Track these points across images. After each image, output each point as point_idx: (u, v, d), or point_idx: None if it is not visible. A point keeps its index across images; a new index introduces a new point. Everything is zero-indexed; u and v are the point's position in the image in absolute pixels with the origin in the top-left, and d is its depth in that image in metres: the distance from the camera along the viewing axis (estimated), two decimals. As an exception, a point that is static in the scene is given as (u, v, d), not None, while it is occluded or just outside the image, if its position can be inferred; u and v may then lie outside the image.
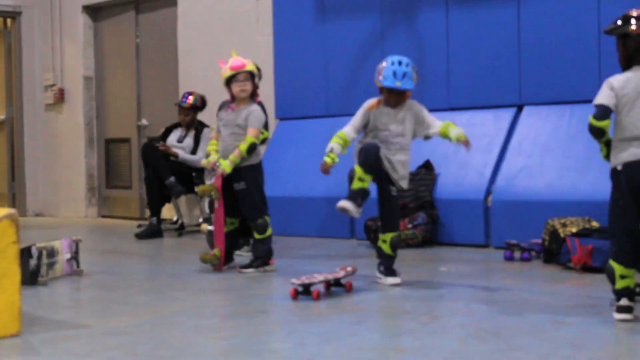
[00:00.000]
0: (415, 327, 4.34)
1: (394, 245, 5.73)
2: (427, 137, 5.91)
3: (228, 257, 6.42)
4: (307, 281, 5.17)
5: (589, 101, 7.30)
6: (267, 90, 9.07)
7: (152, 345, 4.03)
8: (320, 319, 4.64)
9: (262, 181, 6.49)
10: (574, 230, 6.25)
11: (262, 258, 6.32)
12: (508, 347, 3.86)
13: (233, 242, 6.48)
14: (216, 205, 6.36)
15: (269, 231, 6.35)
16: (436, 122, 5.82)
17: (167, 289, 5.74)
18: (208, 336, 4.30)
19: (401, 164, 5.75)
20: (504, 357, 3.70)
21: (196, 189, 9.11)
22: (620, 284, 4.36)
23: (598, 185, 6.87)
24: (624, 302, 4.36)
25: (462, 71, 8.16)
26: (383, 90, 5.75)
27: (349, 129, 5.78)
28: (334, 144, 5.73)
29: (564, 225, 6.35)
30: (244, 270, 6.28)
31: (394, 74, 5.66)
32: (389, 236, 5.72)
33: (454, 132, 5.77)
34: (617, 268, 4.36)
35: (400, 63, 5.69)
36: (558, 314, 4.55)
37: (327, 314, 4.75)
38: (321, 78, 9.15)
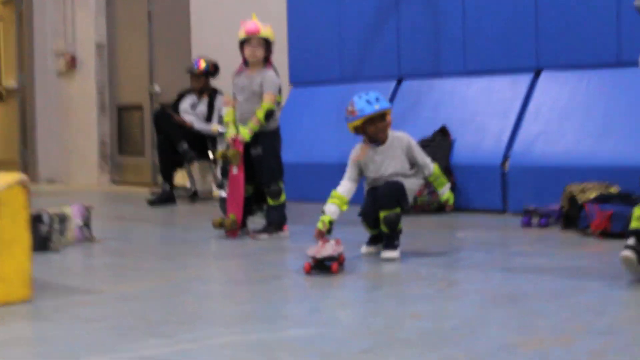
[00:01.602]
0: (432, 293, 4.29)
1: (388, 223, 5.31)
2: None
3: (241, 224, 6.39)
4: (318, 255, 4.83)
5: (608, 66, 7.30)
6: (280, 55, 8.98)
7: (165, 311, 3.99)
8: (335, 285, 4.60)
9: (279, 147, 6.45)
10: (592, 196, 6.18)
11: (276, 224, 6.28)
12: (526, 312, 3.81)
13: (247, 208, 6.44)
14: (234, 171, 6.32)
15: (283, 197, 6.31)
16: (429, 164, 5.47)
17: (179, 255, 5.71)
18: (221, 302, 4.27)
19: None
20: (521, 322, 3.65)
21: (211, 155, 9.09)
22: (635, 224, 4.33)
23: (617, 151, 6.82)
24: (631, 241, 4.32)
25: (478, 35, 8.06)
26: (364, 129, 5.41)
27: (345, 185, 5.43)
28: (330, 205, 5.37)
29: (582, 191, 6.29)
30: (258, 236, 6.24)
31: (368, 102, 5.34)
32: (382, 214, 5.36)
33: (446, 191, 5.53)
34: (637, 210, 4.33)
35: (367, 94, 5.39)
36: (577, 280, 4.49)
37: (342, 280, 4.70)
38: (335, 43, 9.07)
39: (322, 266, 4.83)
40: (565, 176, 6.82)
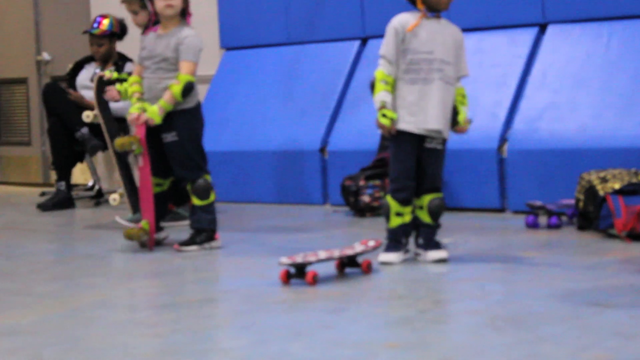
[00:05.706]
0: (412, 316, 4.32)
1: (434, 211, 5.54)
2: None
3: (156, 228, 6.35)
4: (300, 260, 5.05)
5: (636, 17, 7.36)
6: (208, 11, 8.99)
7: (64, 347, 3.99)
8: (286, 308, 4.62)
9: (200, 131, 6.37)
10: (616, 186, 6.25)
11: (207, 231, 6.27)
12: (534, 339, 3.85)
13: (160, 208, 6.40)
14: (140, 163, 6.28)
15: (213, 195, 6.27)
16: (464, 75, 5.69)
17: (81, 274, 5.71)
18: (138, 333, 4.27)
19: (441, 103, 5.52)
20: (529, 350, 3.69)
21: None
22: None
23: (647, 127, 6.89)
24: None
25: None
26: None
27: (387, 67, 5.53)
28: (383, 93, 5.50)
29: (603, 180, 6.36)
30: (185, 248, 6.23)
31: None
32: (425, 199, 5.56)
33: (464, 111, 5.71)
34: None
35: None
36: (599, 295, 4.55)
37: (294, 302, 4.73)
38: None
39: (353, 263, 5.33)
40: (580, 161, 6.89)
